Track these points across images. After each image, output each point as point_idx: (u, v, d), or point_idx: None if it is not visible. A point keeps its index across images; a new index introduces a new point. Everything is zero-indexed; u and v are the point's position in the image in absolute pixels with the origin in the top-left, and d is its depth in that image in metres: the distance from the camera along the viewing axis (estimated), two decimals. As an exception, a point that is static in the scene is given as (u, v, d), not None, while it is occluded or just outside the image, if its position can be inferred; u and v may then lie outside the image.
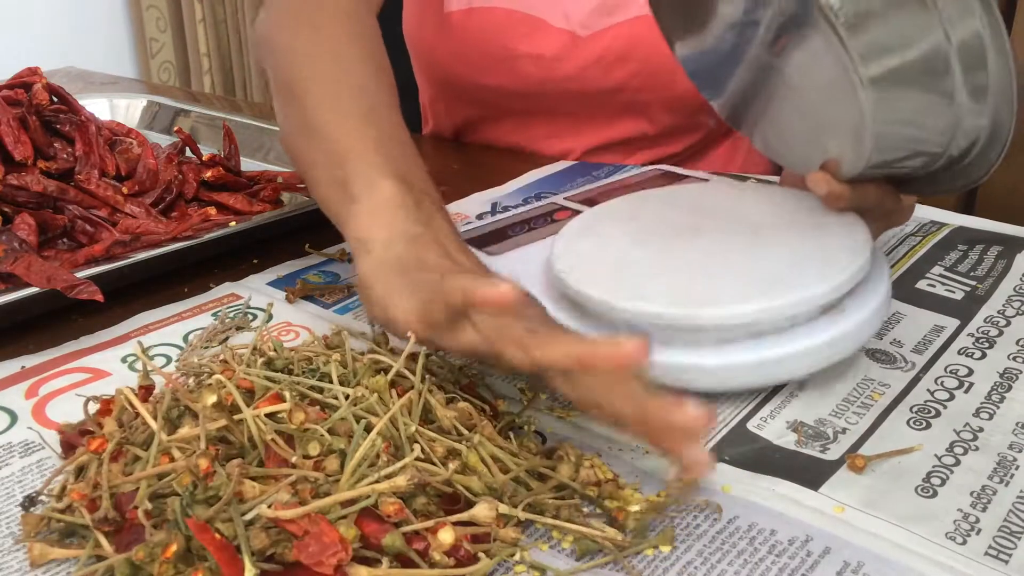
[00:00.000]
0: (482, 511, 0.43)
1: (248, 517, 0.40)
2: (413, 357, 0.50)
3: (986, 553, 0.44)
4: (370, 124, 0.61)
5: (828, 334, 0.54)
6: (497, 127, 1.03)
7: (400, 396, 0.48)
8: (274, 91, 0.69)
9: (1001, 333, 0.63)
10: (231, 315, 0.66)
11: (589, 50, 0.93)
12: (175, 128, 0.93)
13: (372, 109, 0.63)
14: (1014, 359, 0.60)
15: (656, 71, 0.93)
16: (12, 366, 0.60)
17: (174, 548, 0.39)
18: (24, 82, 0.82)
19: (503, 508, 0.44)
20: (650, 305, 0.54)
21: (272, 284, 0.71)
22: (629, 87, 0.95)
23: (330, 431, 0.45)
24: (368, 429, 0.45)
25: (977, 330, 0.64)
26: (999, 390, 0.57)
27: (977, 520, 0.46)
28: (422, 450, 0.46)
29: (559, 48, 0.94)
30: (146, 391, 0.53)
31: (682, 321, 0.54)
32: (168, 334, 0.64)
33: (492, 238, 0.73)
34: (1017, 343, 0.62)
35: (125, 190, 0.77)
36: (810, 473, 0.49)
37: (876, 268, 0.59)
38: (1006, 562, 0.43)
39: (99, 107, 1.02)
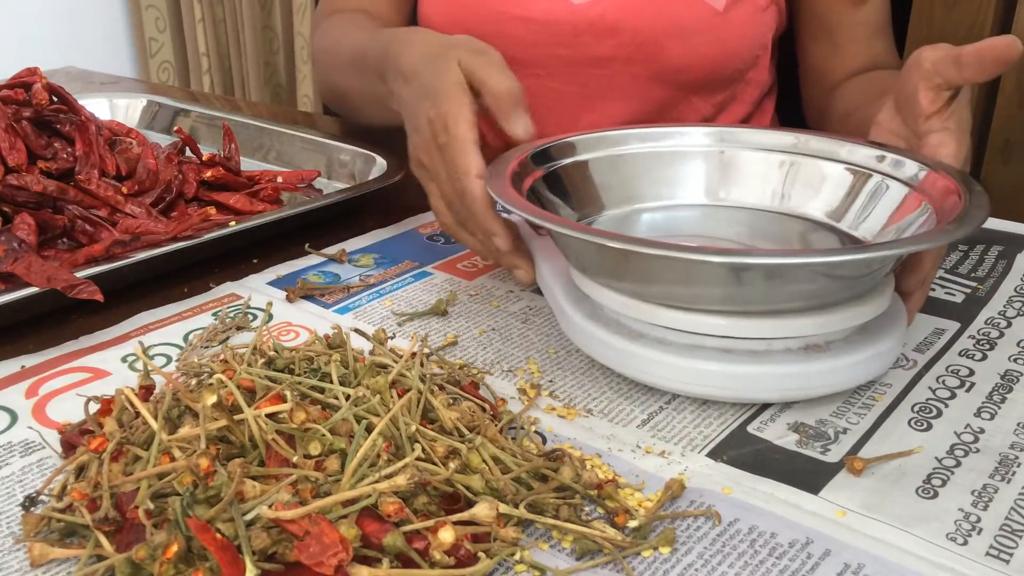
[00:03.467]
0: (482, 510, 0.43)
1: (249, 517, 0.40)
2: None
3: (987, 553, 0.44)
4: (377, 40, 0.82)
5: (800, 367, 0.53)
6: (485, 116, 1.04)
7: (401, 396, 0.48)
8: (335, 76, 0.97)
9: (1002, 335, 0.63)
10: (231, 315, 0.66)
11: (581, 17, 0.94)
12: (175, 128, 0.93)
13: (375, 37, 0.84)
14: (1015, 360, 0.60)
15: (645, 42, 0.94)
16: (12, 366, 0.60)
17: (175, 548, 0.39)
18: (24, 82, 0.82)
19: (503, 508, 0.44)
20: (625, 298, 0.56)
21: (272, 284, 0.71)
22: (618, 58, 0.95)
23: (331, 431, 0.45)
24: (369, 429, 0.45)
25: (978, 332, 0.64)
26: (1000, 391, 0.57)
27: (978, 519, 0.46)
28: (423, 450, 0.46)
29: (551, 13, 0.94)
30: (146, 391, 0.53)
31: (651, 319, 0.55)
32: (168, 334, 0.64)
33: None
34: (1018, 344, 0.62)
35: (125, 190, 0.77)
36: (810, 476, 0.49)
37: (889, 319, 0.57)
38: (1007, 562, 0.43)
39: (99, 107, 1.02)
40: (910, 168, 0.61)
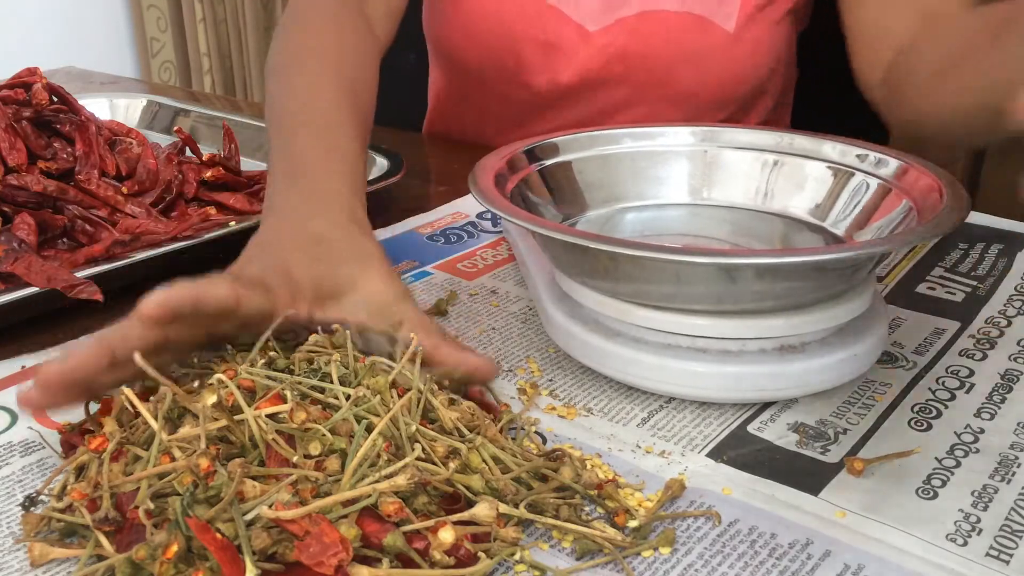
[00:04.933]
0: (483, 510, 0.43)
1: (249, 517, 0.40)
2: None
3: (987, 554, 0.44)
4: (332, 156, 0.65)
5: (771, 368, 0.53)
6: (499, 127, 1.03)
7: (401, 396, 0.48)
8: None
9: (1002, 334, 0.63)
10: (231, 315, 0.65)
11: (594, 43, 0.94)
12: (175, 128, 0.92)
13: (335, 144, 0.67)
14: (1015, 360, 0.60)
15: (656, 68, 0.93)
16: (12, 366, 0.60)
17: (175, 548, 0.39)
18: (24, 82, 0.82)
19: (503, 508, 0.44)
20: (602, 297, 0.56)
21: (272, 284, 0.71)
22: (629, 82, 0.95)
23: (331, 431, 0.45)
24: (369, 429, 0.45)
25: (978, 331, 0.64)
26: (1000, 391, 0.57)
27: (978, 520, 0.46)
28: (423, 450, 0.46)
29: (565, 38, 0.94)
30: (146, 391, 0.53)
31: (627, 319, 0.55)
32: (168, 334, 0.64)
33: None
34: (1018, 344, 0.62)
35: (125, 190, 0.77)
36: (810, 477, 0.49)
37: (869, 321, 0.56)
38: (1007, 563, 0.43)
39: (99, 107, 1.02)
40: (892, 166, 0.62)
